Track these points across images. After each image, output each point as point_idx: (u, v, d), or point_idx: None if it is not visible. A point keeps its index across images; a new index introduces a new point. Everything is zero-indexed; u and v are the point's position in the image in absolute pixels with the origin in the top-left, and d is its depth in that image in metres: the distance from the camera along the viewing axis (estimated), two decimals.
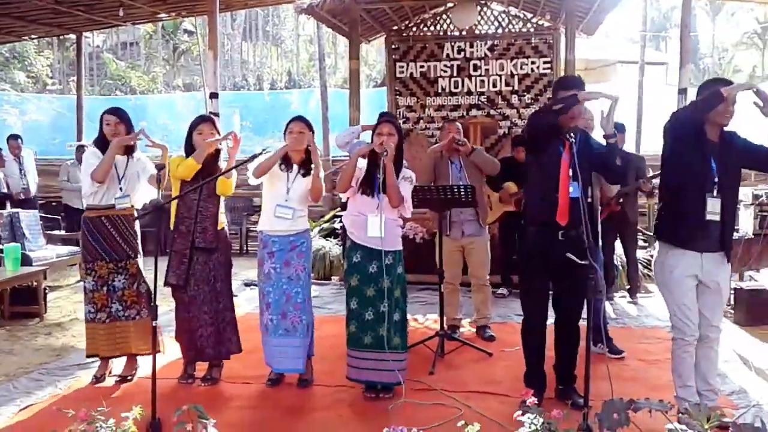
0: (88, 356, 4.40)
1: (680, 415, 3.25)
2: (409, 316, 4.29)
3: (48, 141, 15.02)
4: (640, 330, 5.57)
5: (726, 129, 3.42)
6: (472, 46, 8.71)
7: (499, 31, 8.69)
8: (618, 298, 6.72)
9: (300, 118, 4.22)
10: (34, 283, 6.33)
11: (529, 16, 8.73)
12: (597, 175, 4.07)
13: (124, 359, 4.43)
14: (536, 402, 2.62)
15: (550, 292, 3.86)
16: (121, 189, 4.31)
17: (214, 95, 7.07)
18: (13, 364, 4.84)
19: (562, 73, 8.15)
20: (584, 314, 3.53)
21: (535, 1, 8.26)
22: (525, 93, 8.57)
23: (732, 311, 5.91)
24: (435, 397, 3.98)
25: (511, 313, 6.10)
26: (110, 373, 4.41)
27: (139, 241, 4.42)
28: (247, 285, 7.79)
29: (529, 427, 2.51)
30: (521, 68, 8.61)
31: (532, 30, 8.63)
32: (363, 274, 3.96)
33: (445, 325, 4.94)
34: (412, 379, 4.11)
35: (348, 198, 4.19)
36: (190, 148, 4.21)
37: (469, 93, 8.72)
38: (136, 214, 4.36)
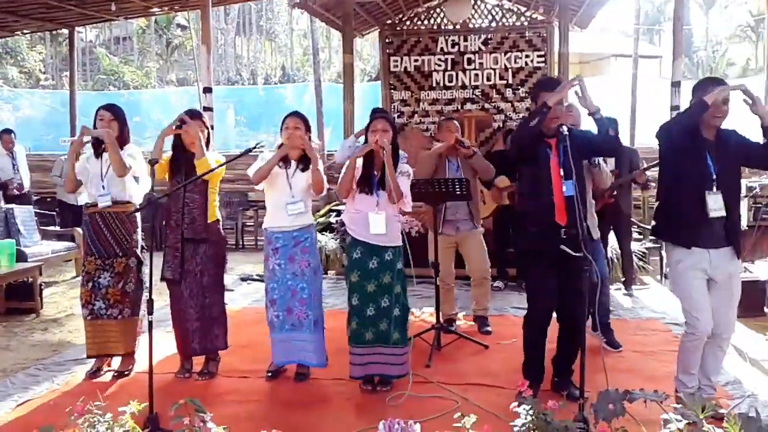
0: (87, 357, 4.39)
1: (677, 394, 3.27)
2: None
3: (41, 136, 14.95)
4: (635, 322, 5.60)
5: (723, 128, 3.43)
6: (466, 39, 8.70)
7: (493, 24, 8.69)
8: (613, 290, 6.74)
9: (296, 114, 4.22)
10: (30, 279, 6.32)
11: (523, 9, 8.73)
12: (587, 168, 4.10)
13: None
14: (532, 393, 2.63)
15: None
16: (103, 187, 4.28)
17: (207, 90, 7.06)
18: (10, 360, 4.84)
19: (556, 67, 8.17)
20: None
21: None
22: (519, 86, 8.57)
23: None
24: (432, 389, 3.99)
25: (507, 305, 6.12)
26: (109, 365, 4.41)
27: (135, 239, 4.35)
28: (243, 280, 7.79)
29: (525, 418, 2.52)
30: (515, 62, 8.61)
31: (525, 23, 8.63)
32: (363, 270, 3.97)
33: (441, 319, 4.96)
34: (408, 371, 4.11)
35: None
36: (176, 145, 4.21)
37: (464, 87, 8.72)
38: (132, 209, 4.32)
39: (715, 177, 3.35)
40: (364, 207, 3.96)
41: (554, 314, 3.81)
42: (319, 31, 19.23)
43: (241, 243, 11.06)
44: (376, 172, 3.96)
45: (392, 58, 8.89)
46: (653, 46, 30.18)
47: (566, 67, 7.85)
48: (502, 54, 8.63)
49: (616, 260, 6.83)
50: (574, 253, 3.24)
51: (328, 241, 7.95)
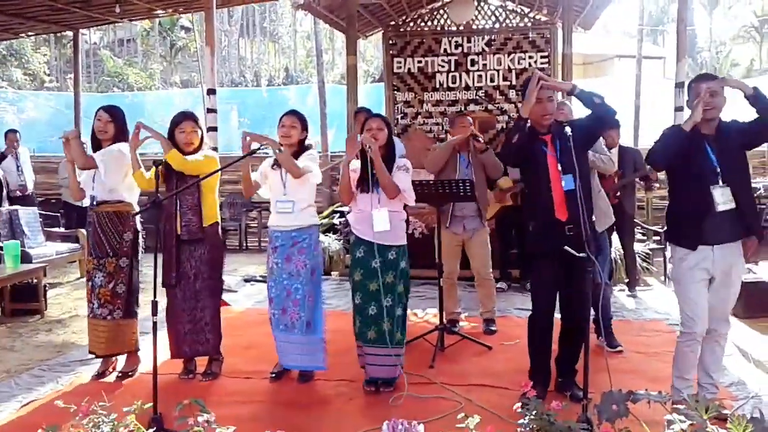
0: (89, 353, 4.43)
1: (674, 405, 3.26)
2: (408, 311, 4.30)
3: (46, 138, 14.98)
4: (639, 323, 5.59)
5: (724, 120, 3.42)
6: (469, 41, 8.70)
7: (497, 26, 8.69)
8: (617, 291, 6.73)
9: (292, 112, 4.22)
10: (35, 280, 6.34)
11: (526, 10, 8.73)
12: (593, 160, 4.13)
13: (125, 355, 4.43)
14: (540, 397, 2.63)
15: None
16: (93, 188, 4.29)
17: (211, 91, 7.06)
18: (14, 361, 4.86)
19: (560, 68, 8.15)
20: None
21: None
22: (522, 88, 8.55)
23: None
24: (435, 390, 3.99)
25: (510, 306, 6.12)
26: (114, 369, 4.42)
27: (127, 240, 4.27)
28: (246, 281, 7.80)
29: (529, 419, 2.52)
30: (518, 63, 8.60)
31: (529, 25, 8.63)
32: (366, 269, 3.97)
33: (444, 320, 4.96)
34: (413, 373, 4.11)
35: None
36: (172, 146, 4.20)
37: (467, 88, 8.72)
38: (135, 211, 4.31)
39: (720, 171, 3.32)
40: (365, 206, 3.97)
41: (558, 315, 3.81)
42: (322, 33, 19.24)
43: (244, 244, 11.08)
44: (373, 171, 3.97)
45: (396, 60, 8.90)
46: (657, 46, 30.14)
47: (569, 69, 7.83)
48: (506, 55, 8.63)
49: (619, 261, 6.82)
50: (577, 254, 3.23)
51: (331, 243, 7.96)
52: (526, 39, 8.59)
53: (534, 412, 2.52)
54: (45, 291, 6.47)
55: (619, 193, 5.92)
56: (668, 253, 3.80)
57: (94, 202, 4.30)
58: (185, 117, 4.25)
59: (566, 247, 3.29)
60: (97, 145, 4.33)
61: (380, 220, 3.89)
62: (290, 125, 4.12)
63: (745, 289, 5.77)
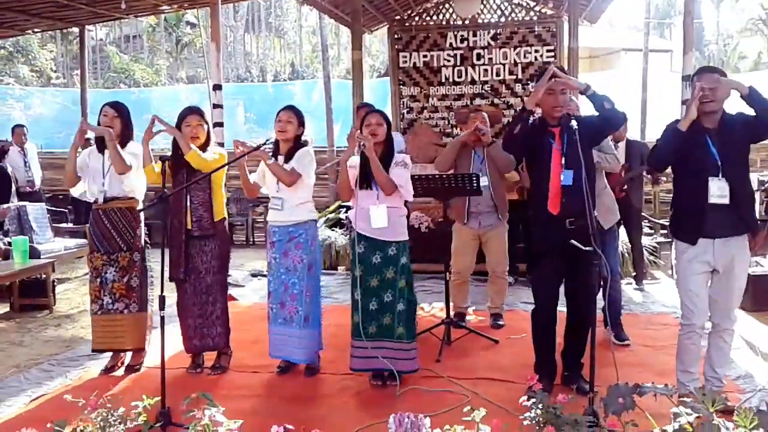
0: (93, 350, 4.46)
1: (681, 398, 3.26)
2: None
3: (53, 134, 15.01)
4: (646, 316, 5.59)
5: (728, 112, 3.40)
6: (475, 35, 8.68)
7: (502, 19, 8.66)
8: (624, 284, 6.72)
9: (289, 107, 4.23)
10: (43, 276, 6.37)
11: (532, 4, 8.70)
12: (598, 161, 4.12)
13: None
14: (546, 390, 2.64)
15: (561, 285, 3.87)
16: (103, 184, 4.31)
17: (217, 87, 7.08)
18: (24, 356, 4.89)
19: (566, 62, 8.13)
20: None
21: None
22: (529, 81, 8.51)
23: None
24: (442, 384, 4.00)
25: (517, 300, 6.12)
26: (122, 363, 4.44)
27: (139, 235, 4.36)
28: (253, 276, 7.82)
29: (535, 412, 2.53)
30: (524, 57, 8.57)
31: (535, 18, 8.60)
32: (367, 265, 3.98)
33: (451, 313, 4.96)
34: (420, 367, 4.12)
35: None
36: (176, 144, 4.21)
37: (473, 82, 8.70)
38: (140, 207, 4.33)
39: (720, 164, 3.30)
40: (365, 202, 3.98)
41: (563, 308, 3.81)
42: (327, 28, 19.21)
43: (251, 239, 11.10)
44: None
45: (401, 54, 8.88)
46: (664, 40, 29.95)
47: (576, 62, 7.81)
48: (512, 49, 8.60)
49: (627, 255, 6.81)
50: (583, 248, 3.22)
51: (337, 237, 7.97)
52: (532, 33, 8.55)
53: (540, 405, 2.53)
54: (53, 286, 6.51)
55: (626, 187, 5.91)
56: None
57: (103, 199, 4.31)
58: (191, 111, 4.29)
59: (573, 241, 3.29)
60: (102, 141, 4.34)
61: (378, 216, 3.90)
62: (286, 120, 4.13)
63: (752, 283, 5.77)
